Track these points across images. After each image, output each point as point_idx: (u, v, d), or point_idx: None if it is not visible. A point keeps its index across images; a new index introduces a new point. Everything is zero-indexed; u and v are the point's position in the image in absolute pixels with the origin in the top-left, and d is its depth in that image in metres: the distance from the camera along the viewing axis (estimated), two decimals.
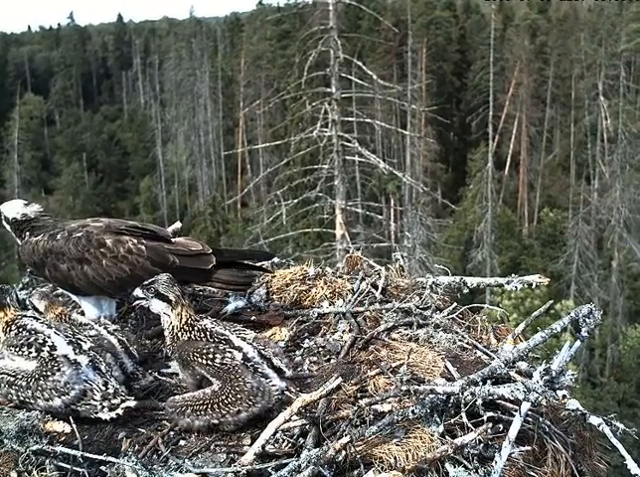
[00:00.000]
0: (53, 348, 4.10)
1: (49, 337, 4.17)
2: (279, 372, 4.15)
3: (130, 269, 4.75)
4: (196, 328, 4.19)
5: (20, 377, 4.06)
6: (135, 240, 4.83)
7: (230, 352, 4.10)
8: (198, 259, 4.89)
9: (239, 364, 4.04)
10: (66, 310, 4.81)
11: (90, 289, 4.88)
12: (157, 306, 4.22)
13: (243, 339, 4.23)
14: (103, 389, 4.04)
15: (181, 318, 4.18)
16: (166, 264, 4.79)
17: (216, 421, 3.92)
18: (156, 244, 4.88)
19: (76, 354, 4.13)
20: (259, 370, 4.09)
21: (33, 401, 4.02)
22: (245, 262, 5.18)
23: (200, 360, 4.07)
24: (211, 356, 4.06)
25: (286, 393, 4.07)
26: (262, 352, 4.20)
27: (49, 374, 4.01)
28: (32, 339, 4.14)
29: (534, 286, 5.19)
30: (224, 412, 3.90)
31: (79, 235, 4.85)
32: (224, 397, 3.93)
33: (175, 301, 4.18)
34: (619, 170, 52.33)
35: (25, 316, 4.35)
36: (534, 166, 66.59)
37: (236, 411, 3.90)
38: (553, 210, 56.00)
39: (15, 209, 5.02)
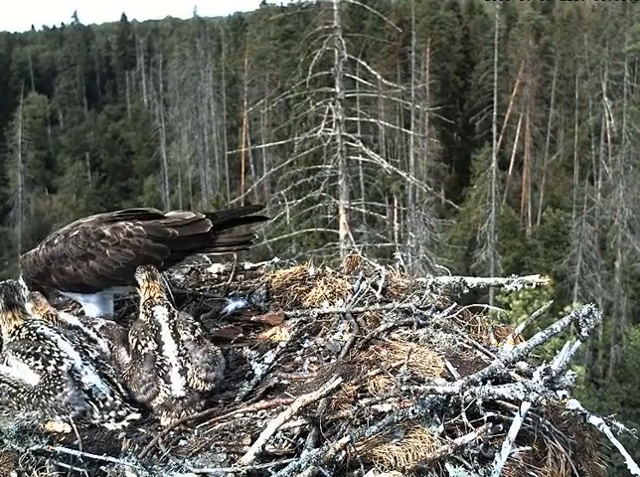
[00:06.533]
0: (59, 362, 4.09)
1: (56, 344, 4.16)
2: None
3: (135, 252, 4.74)
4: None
5: (22, 390, 4.06)
6: (131, 223, 4.82)
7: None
8: (195, 226, 4.89)
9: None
10: (52, 310, 4.76)
11: (100, 282, 4.86)
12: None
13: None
14: (111, 399, 4.06)
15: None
16: (167, 238, 4.81)
17: None
18: (152, 222, 4.88)
19: (83, 360, 4.15)
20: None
21: None
22: (241, 217, 5.21)
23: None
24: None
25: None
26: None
27: (51, 393, 4.01)
28: (39, 349, 4.13)
29: (534, 286, 5.18)
30: None
31: (75, 233, 4.84)
32: None
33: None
34: (623, 170, 52.31)
35: (35, 320, 4.36)
36: (537, 166, 66.60)
37: None
38: (556, 210, 55.96)
39: None
